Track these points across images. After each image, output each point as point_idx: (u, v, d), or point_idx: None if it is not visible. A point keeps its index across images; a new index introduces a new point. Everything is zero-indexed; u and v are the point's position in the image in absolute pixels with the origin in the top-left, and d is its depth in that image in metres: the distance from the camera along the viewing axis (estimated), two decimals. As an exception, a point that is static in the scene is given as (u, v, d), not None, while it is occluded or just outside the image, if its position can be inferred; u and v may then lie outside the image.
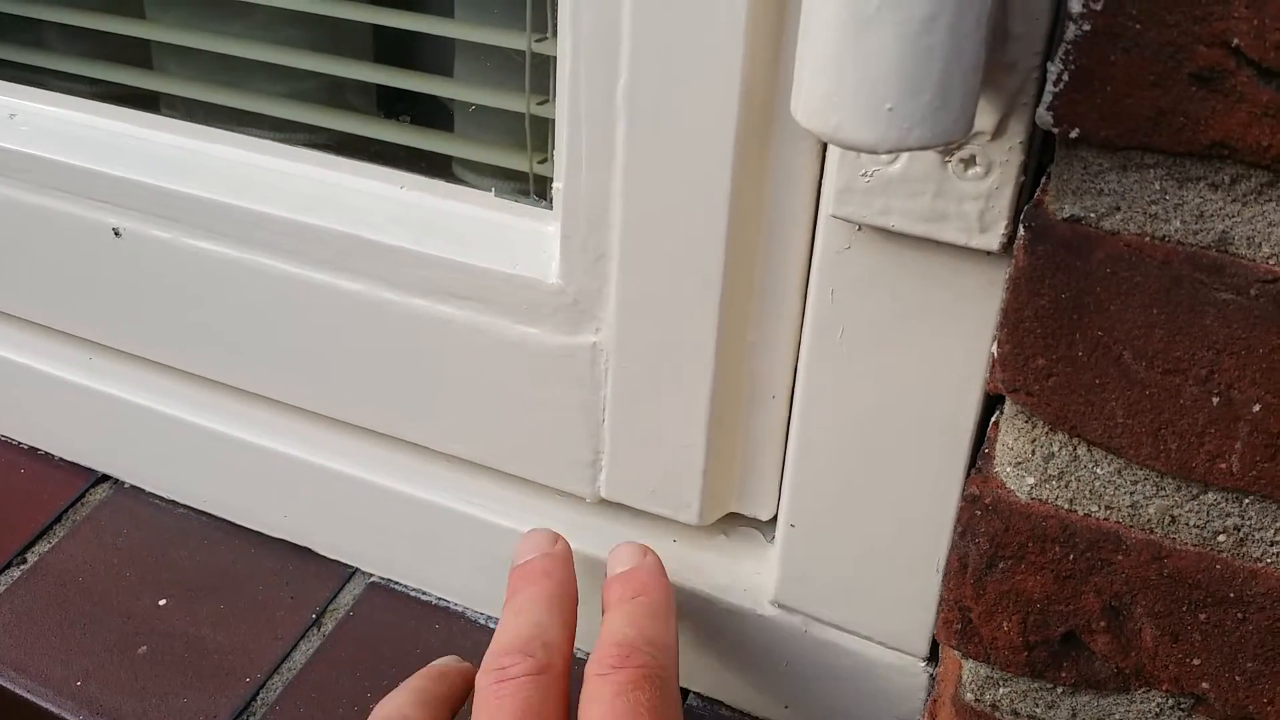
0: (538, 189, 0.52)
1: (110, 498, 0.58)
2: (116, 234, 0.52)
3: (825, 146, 0.38)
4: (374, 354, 0.49)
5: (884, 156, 0.34)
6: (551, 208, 0.46)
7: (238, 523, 0.56)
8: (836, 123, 0.26)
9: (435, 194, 0.48)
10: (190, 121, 0.58)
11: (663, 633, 0.38)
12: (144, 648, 0.51)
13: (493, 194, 0.47)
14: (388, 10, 0.54)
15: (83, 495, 0.58)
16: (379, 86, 0.62)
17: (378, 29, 0.61)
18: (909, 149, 0.26)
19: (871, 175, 0.34)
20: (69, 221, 0.53)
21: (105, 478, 0.59)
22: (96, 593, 0.53)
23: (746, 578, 0.45)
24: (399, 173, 0.49)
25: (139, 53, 0.61)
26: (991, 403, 0.36)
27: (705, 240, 0.40)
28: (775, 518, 0.45)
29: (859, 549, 0.41)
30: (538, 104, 0.51)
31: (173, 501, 0.57)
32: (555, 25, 0.48)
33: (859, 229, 0.36)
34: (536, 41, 0.50)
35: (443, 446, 0.50)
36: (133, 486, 0.58)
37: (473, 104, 0.54)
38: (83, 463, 0.59)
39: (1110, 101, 0.28)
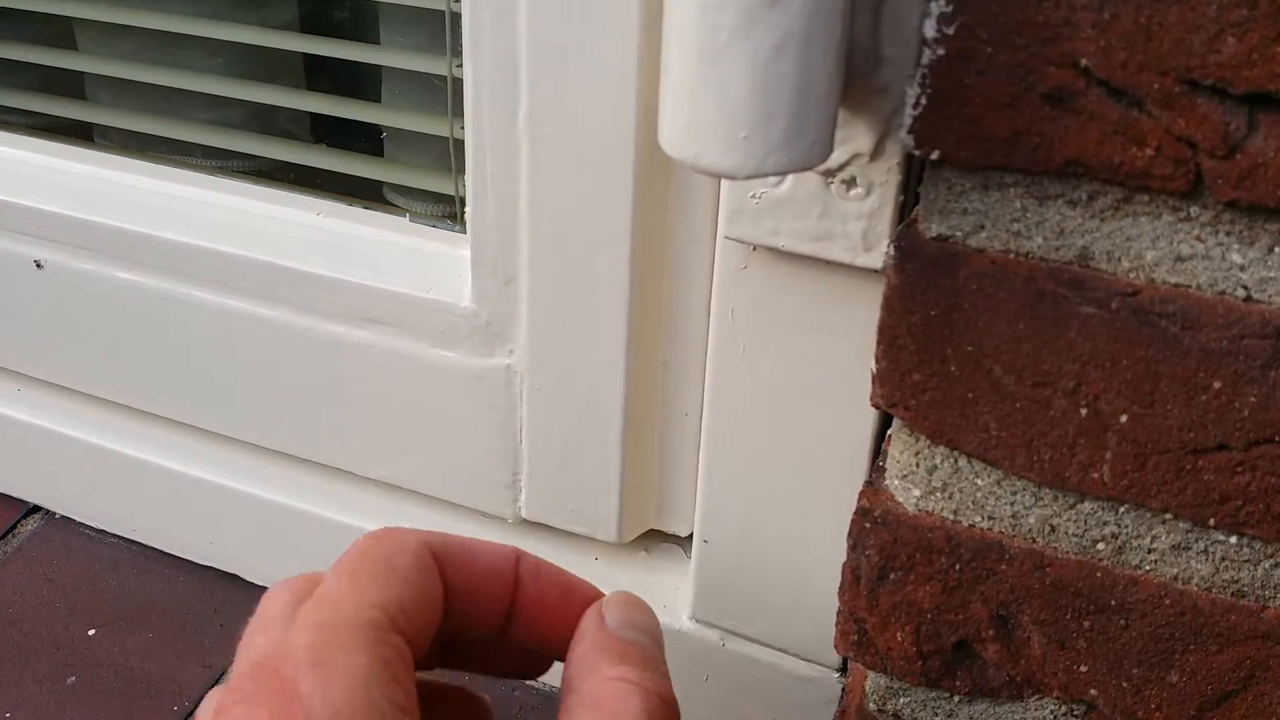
0: (464, 211, 0.52)
1: (41, 529, 0.58)
2: (39, 266, 0.52)
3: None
4: (295, 380, 0.49)
5: (771, 178, 0.35)
6: (465, 232, 0.46)
7: (167, 551, 0.56)
8: (696, 151, 0.27)
9: (351, 220, 0.48)
10: (124, 150, 0.58)
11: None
12: (73, 678, 0.50)
13: (407, 219, 0.48)
14: (314, 38, 0.54)
15: (14, 527, 0.58)
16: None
17: (308, 55, 0.61)
18: (767, 174, 0.27)
19: (760, 197, 0.35)
20: (-9, 254, 0.53)
21: (37, 509, 0.59)
22: (26, 624, 0.53)
23: (667, 593, 0.46)
24: (315, 199, 0.49)
25: (73, 84, 0.61)
26: (888, 417, 0.36)
27: (610, 262, 0.40)
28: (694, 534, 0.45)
29: (770, 563, 0.42)
30: (461, 128, 0.51)
31: (103, 531, 0.57)
32: None
33: (754, 249, 0.37)
34: (458, 67, 0.50)
35: (366, 471, 0.50)
36: (64, 517, 0.58)
37: (401, 128, 0.55)
38: (14, 494, 0.59)
39: (967, 123, 0.28)
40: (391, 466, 0.49)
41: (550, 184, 0.40)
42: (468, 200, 0.44)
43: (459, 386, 0.46)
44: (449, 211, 0.56)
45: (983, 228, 0.29)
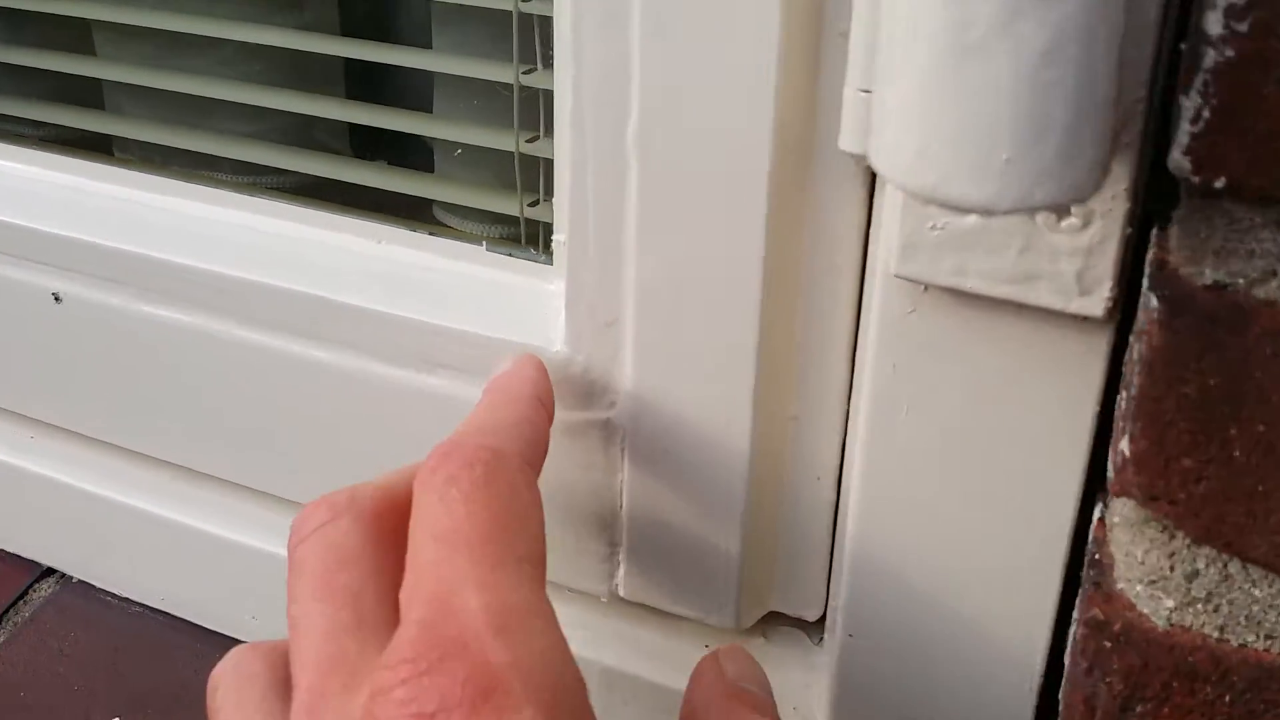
0: (529, 235, 0.46)
1: (56, 595, 0.52)
2: (57, 299, 0.46)
3: (873, 192, 0.32)
4: (353, 432, 0.43)
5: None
6: (551, 262, 0.40)
7: (200, 624, 0.49)
8: (935, 180, 0.21)
9: (418, 248, 0.42)
10: (147, 164, 0.52)
11: (501, 419, 0.31)
12: (93, 774, 0.44)
13: (484, 247, 0.41)
14: (360, 43, 0.48)
15: (25, 593, 0.52)
16: (352, 124, 0.56)
17: (349, 62, 0.55)
18: (1035, 208, 0.20)
19: (942, 228, 0.29)
20: (2, 286, 0.47)
21: (50, 571, 0.53)
22: (40, 709, 0.47)
23: (794, 691, 0.39)
24: (376, 225, 0.43)
25: (90, 92, 0.55)
26: (1091, 498, 0.30)
27: (735, 300, 0.34)
28: (823, 618, 0.38)
29: (934, 663, 0.35)
30: (527, 141, 0.45)
31: (126, 599, 0.51)
32: (543, 57, 0.42)
33: (924, 289, 0.30)
34: (524, 73, 0.44)
35: (433, 537, 0.43)
36: (81, 582, 0.52)
37: (456, 143, 0.49)
38: (25, 555, 0.53)
39: (1262, 143, 0.22)
40: (463, 533, 0.42)
41: (664, 208, 0.34)
42: (562, 228, 0.37)
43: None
44: (509, 233, 0.50)
45: (1275, 274, 0.23)
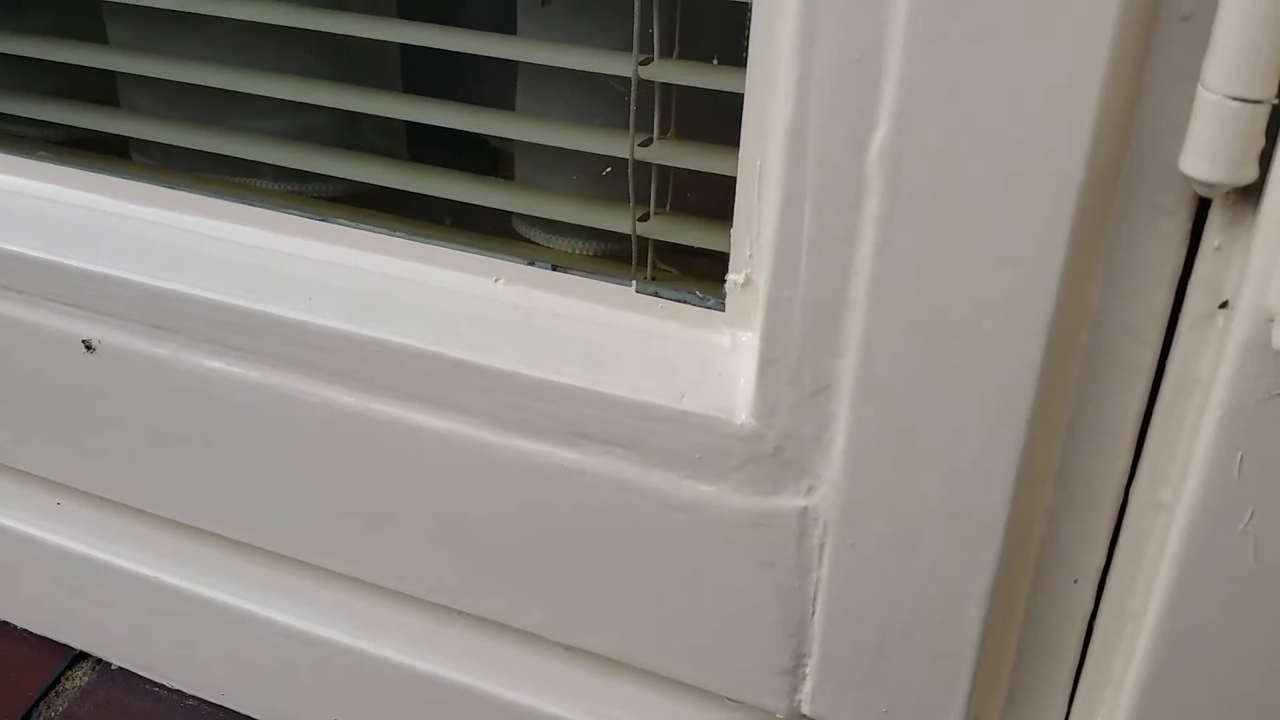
0: (639, 255, 0.38)
1: (93, 684, 0.44)
2: (88, 348, 0.38)
3: (1198, 231, 0.25)
4: (466, 514, 0.35)
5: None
6: (723, 308, 0.32)
7: (270, 725, 0.42)
8: None
9: (549, 290, 0.34)
10: (169, 170, 0.43)
11: None
12: None
13: (633, 288, 0.34)
14: (437, 29, 0.39)
15: (56, 682, 0.44)
16: (409, 123, 0.47)
17: (408, 52, 0.47)
18: None
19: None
20: (24, 332, 0.39)
21: (84, 656, 0.45)
22: (80, 832, 0.39)
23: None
24: (493, 260, 0.35)
25: (102, 87, 0.46)
26: None
27: (1003, 365, 0.26)
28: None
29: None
30: (640, 145, 0.38)
31: (178, 692, 0.43)
32: (664, 44, 0.34)
33: (1304, 368, 0.23)
34: (643, 64, 0.36)
35: (566, 638, 0.36)
36: (121, 669, 0.44)
37: (543, 147, 0.40)
38: (55, 637, 0.46)
39: None
40: (608, 633, 0.35)
41: (914, 247, 0.26)
42: (742, 266, 0.30)
43: (721, 534, 0.32)
44: (605, 250, 0.42)
45: None
